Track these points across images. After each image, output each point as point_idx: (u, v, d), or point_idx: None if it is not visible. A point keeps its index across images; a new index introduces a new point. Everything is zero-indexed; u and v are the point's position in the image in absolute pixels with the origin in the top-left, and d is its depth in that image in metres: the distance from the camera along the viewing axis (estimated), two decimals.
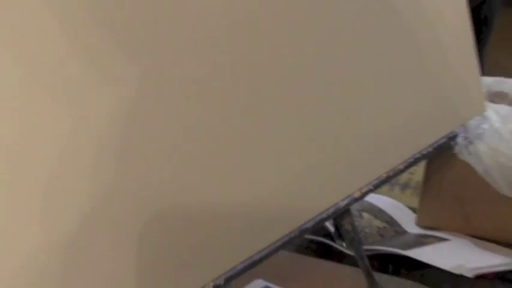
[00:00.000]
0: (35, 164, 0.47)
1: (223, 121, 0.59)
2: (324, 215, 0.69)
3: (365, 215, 0.98)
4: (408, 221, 0.96)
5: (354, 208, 0.90)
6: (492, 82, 0.95)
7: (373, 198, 0.96)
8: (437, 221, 0.94)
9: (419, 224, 0.95)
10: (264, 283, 0.81)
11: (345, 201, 0.70)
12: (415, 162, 0.78)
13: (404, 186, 1.04)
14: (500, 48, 1.01)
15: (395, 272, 0.87)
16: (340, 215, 0.73)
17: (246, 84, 0.61)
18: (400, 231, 0.94)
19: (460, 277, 0.80)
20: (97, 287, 0.52)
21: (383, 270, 0.87)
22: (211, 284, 0.59)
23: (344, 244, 0.85)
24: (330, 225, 0.90)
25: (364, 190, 0.72)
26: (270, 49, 0.62)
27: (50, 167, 0.48)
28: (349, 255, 0.85)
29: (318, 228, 0.76)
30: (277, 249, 0.65)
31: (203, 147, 0.58)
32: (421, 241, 0.90)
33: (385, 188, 0.91)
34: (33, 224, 0.47)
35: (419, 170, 0.94)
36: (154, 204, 0.55)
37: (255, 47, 0.60)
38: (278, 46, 0.62)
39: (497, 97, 0.94)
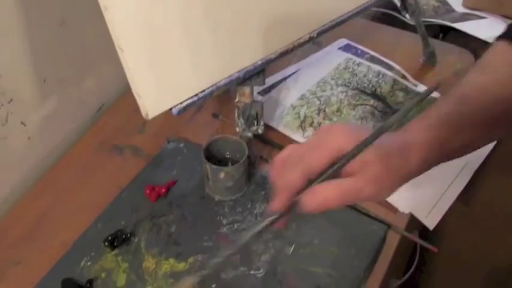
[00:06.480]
0: None
1: None
2: None
3: None
4: (457, 2, 1.07)
5: None
6: None
7: None
8: (479, 4, 1.06)
9: (465, 5, 1.08)
10: (346, 41, 0.96)
11: None
12: None
13: None
14: None
15: (444, 39, 1.02)
16: None
17: None
18: (450, 9, 1.06)
19: None
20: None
21: (434, 37, 1.00)
22: (307, 35, 0.70)
23: (407, 15, 0.91)
24: (396, 1, 0.94)
25: None
26: None
27: None
28: (409, 25, 0.98)
29: (387, 2, 0.84)
30: (357, 14, 0.75)
31: None
32: (465, 17, 1.03)
33: None
34: None
35: None
36: None
37: None
38: None
39: None
